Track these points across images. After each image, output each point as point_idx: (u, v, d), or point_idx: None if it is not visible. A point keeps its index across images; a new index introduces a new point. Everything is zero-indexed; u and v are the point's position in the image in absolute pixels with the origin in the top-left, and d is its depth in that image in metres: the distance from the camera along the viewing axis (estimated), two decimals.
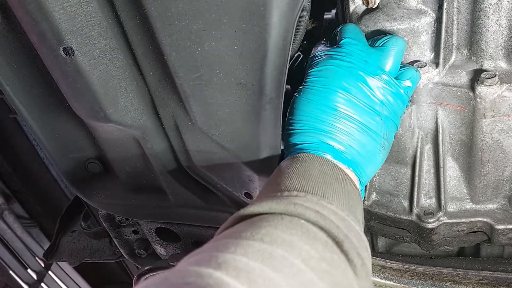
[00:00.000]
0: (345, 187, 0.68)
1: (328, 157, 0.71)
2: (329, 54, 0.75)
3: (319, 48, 0.78)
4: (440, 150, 0.86)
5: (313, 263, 0.51)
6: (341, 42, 0.75)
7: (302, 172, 0.67)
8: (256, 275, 0.45)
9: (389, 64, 0.73)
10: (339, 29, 0.78)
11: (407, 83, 0.74)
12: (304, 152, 0.72)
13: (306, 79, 0.76)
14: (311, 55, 0.78)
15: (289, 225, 0.55)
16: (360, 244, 0.58)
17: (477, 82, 0.76)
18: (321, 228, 0.57)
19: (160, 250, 1.25)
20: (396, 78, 0.74)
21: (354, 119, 0.71)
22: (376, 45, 0.75)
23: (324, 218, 0.57)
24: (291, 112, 0.76)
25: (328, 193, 0.64)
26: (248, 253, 0.48)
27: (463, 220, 0.89)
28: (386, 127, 0.74)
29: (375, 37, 0.76)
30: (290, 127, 0.75)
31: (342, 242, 0.56)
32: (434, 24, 0.77)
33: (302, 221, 0.57)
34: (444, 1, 0.74)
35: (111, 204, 1.06)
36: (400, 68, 0.76)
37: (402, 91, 0.74)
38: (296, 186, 0.64)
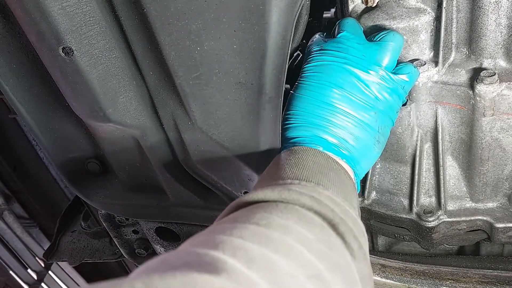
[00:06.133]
0: (340, 177, 0.68)
1: (322, 149, 0.72)
2: (324, 49, 0.75)
3: (315, 40, 0.78)
4: (440, 148, 0.86)
5: (311, 245, 0.51)
6: (339, 35, 0.75)
7: (296, 163, 0.67)
8: (254, 255, 0.45)
9: (386, 59, 0.73)
10: (337, 23, 0.78)
11: (404, 78, 0.74)
12: (298, 146, 0.73)
13: (301, 74, 0.76)
14: (307, 49, 0.79)
15: (284, 211, 0.55)
16: (357, 228, 0.59)
17: (476, 80, 0.76)
18: (317, 213, 0.57)
19: (160, 249, 1.25)
20: (393, 73, 0.74)
21: (348, 114, 0.72)
22: (374, 40, 0.75)
23: (319, 202, 0.58)
24: (287, 107, 0.76)
25: (323, 181, 0.64)
26: (244, 235, 0.49)
27: (463, 218, 0.89)
28: (381, 121, 0.74)
29: (373, 32, 0.76)
30: (285, 122, 0.76)
31: (338, 225, 0.56)
32: (434, 22, 0.77)
33: (297, 206, 0.57)
34: (443, 0, 0.74)
35: (110, 204, 1.06)
36: (399, 64, 0.76)
37: (398, 87, 0.74)
38: (290, 176, 0.64)
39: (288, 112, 0.76)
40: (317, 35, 0.80)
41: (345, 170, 0.71)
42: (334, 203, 0.59)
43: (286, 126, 0.76)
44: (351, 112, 0.72)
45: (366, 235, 0.62)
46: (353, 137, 0.73)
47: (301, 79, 0.76)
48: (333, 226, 0.56)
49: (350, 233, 0.57)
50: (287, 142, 0.75)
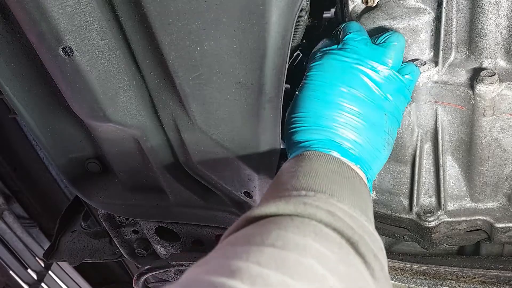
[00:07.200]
0: (355, 185, 0.66)
1: (335, 154, 0.69)
2: (331, 49, 0.74)
3: (322, 42, 0.77)
4: (440, 148, 0.86)
5: (331, 265, 0.48)
6: (345, 37, 0.74)
7: (309, 171, 0.64)
8: (273, 283, 0.43)
9: (392, 59, 0.72)
10: (342, 26, 0.77)
11: (409, 77, 0.74)
12: (309, 150, 0.70)
13: (307, 73, 0.74)
14: (313, 51, 0.77)
15: (300, 227, 0.52)
16: (375, 245, 0.56)
17: (476, 80, 0.76)
18: (335, 230, 0.54)
19: (160, 249, 1.25)
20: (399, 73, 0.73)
21: (359, 114, 0.70)
22: (378, 41, 0.74)
23: (337, 218, 0.54)
24: (293, 109, 0.74)
25: (338, 192, 0.61)
26: (261, 261, 0.45)
27: (463, 218, 0.89)
28: (390, 122, 0.73)
29: (376, 34, 0.76)
30: (293, 125, 0.73)
31: (357, 243, 0.54)
32: (434, 22, 0.77)
33: (314, 222, 0.53)
34: (443, 0, 0.74)
35: (110, 204, 1.06)
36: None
37: (404, 87, 0.73)
38: (304, 185, 0.61)
39: (295, 115, 0.73)
40: (324, 39, 0.79)
41: (360, 177, 0.69)
42: (352, 219, 0.56)
43: (294, 129, 0.73)
44: (362, 113, 0.70)
45: (384, 249, 0.59)
46: (365, 139, 0.70)
47: (307, 79, 0.74)
48: (352, 245, 0.53)
49: (370, 252, 0.54)
50: (296, 147, 0.72)
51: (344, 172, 0.66)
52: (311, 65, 0.74)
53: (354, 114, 0.70)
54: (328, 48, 0.74)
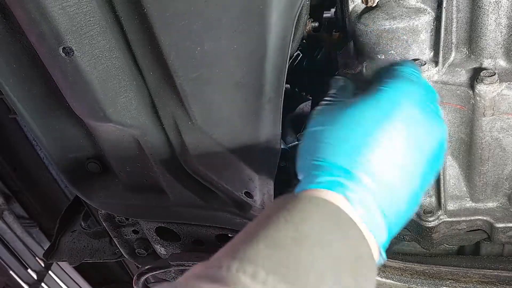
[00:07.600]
0: (366, 278, 0.46)
1: (359, 217, 0.49)
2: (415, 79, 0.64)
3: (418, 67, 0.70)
4: None
5: None
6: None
7: (312, 241, 0.43)
8: None
9: None
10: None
11: None
12: (326, 191, 0.49)
13: (379, 86, 0.61)
14: (391, 68, 0.68)
15: None
16: None
17: (476, 80, 0.76)
18: None
19: (160, 249, 1.25)
20: None
21: (417, 173, 0.55)
22: None
23: None
24: (340, 122, 0.56)
25: None
26: None
27: (463, 218, 0.89)
28: (428, 180, 0.61)
29: None
30: (328, 138, 0.55)
31: None
32: (434, 22, 0.77)
33: None
34: (443, 0, 0.74)
35: (110, 204, 1.06)
36: None
37: None
38: (292, 271, 0.39)
39: (343, 131, 0.55)
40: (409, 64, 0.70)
41: (374, 260, 0.49)
42: None
43: (326, 144, 0.54)
44: (421, 173, 0.55)
45: None
46: (404, 202, 0.53)
47: (379, 91, 0.59)
48: None
49: None
50: (319, 174, 0.52)
51: (363, 260, 0.46)
52: (387, 80, 0.62)
53: (412, 171, 0.55)
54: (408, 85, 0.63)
